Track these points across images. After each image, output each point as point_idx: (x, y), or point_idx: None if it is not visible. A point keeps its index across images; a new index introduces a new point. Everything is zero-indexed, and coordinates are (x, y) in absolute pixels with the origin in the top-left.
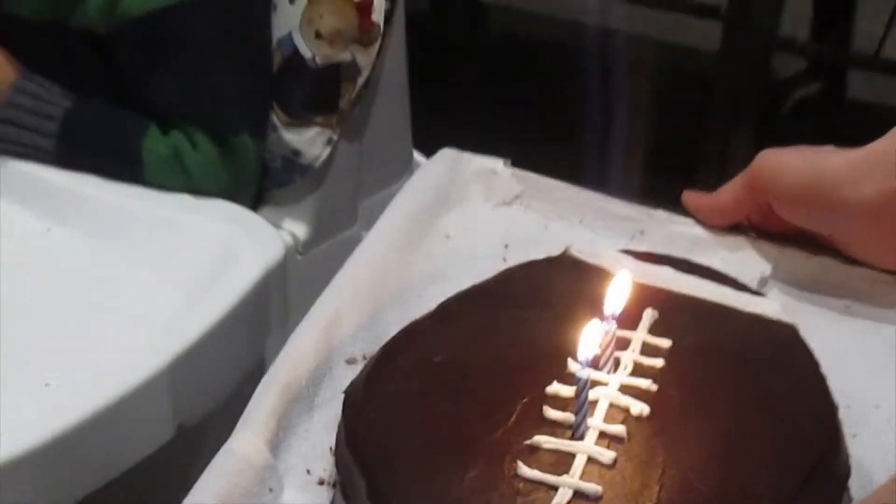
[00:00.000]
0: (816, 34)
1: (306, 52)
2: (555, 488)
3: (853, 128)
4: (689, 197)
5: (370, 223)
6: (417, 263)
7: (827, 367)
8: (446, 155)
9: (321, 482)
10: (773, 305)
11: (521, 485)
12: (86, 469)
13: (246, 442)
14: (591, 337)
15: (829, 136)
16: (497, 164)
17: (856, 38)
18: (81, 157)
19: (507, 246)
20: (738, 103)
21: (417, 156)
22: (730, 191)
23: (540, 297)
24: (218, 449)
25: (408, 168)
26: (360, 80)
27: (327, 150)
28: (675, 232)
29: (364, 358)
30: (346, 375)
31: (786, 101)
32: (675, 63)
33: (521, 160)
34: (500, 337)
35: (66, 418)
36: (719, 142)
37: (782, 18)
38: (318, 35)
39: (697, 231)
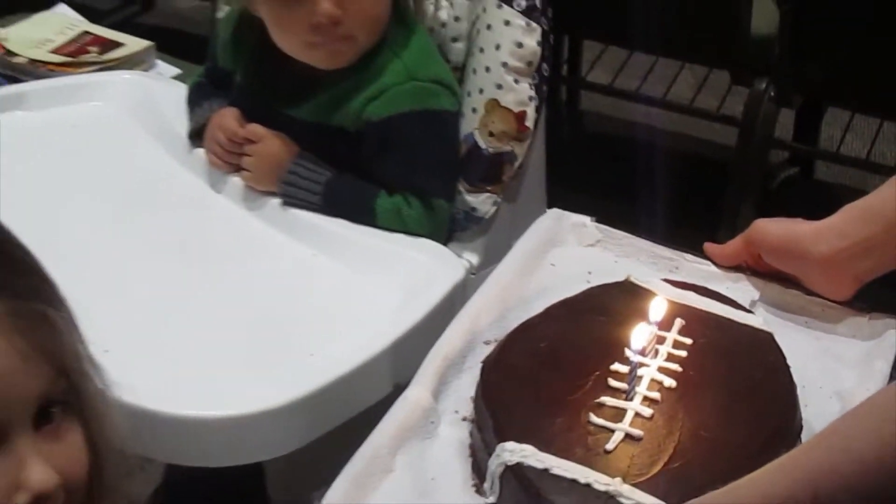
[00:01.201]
0: (796, 136)
1: (482, 144)
2: (612, 431)
3: (819, 200)
4: (708, 247)
5: None
6: (532, 282)
7: (791, 361)
8: (552, 213)
9: (464, 419)
10: (758, 319)
11: (592, 428)
12: (335, 411)
13: (417, 392)
14: (640, 334)
15: (802, 204)
16: (586, 220)
17: (822, 139)
18: (337, 209)
19: (590, 273)
20: (745, 182)
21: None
22: (734, 244)
23: (609, 307)
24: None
25: None
26: (516, 163)
27: (494, 209)
28: (698, 269)
29: (496, 341)
30: (484, 351)
31: (775, 180)
32: (705, 154)
33: (603, 217)
34: (582, 332)
35: (325, 378)
36: (733, 208)
37: (775, 126)
38: (490, 134)
39: (712, 269)
